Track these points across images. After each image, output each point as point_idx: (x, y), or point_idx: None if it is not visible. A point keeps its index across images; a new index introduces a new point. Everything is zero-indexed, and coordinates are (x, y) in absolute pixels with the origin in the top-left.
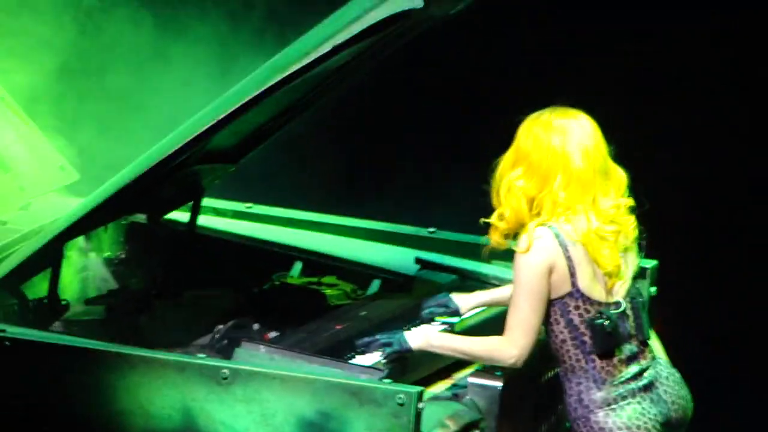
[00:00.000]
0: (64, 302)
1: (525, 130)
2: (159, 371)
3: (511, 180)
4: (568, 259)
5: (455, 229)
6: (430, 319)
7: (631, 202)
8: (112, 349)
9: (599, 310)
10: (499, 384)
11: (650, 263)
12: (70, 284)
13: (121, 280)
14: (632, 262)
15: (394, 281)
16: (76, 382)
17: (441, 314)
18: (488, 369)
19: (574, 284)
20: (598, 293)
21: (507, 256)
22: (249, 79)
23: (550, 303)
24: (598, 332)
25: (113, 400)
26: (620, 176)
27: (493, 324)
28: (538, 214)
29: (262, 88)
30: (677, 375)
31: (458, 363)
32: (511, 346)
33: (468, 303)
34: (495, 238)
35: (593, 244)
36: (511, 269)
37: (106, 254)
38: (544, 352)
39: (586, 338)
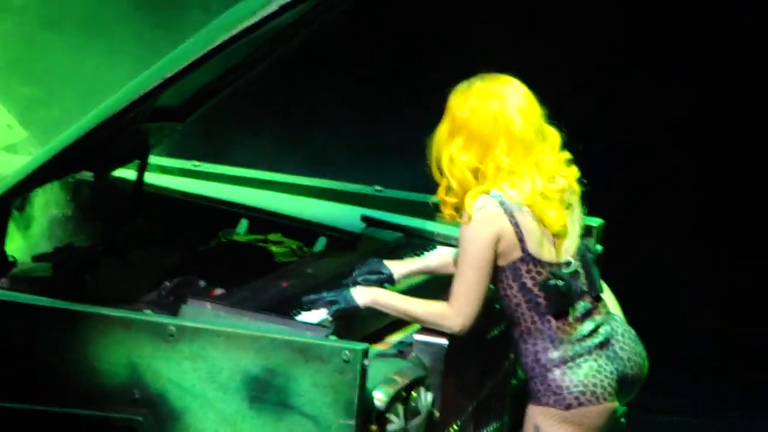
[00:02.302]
0: (11, 259)
1: (458, 100)
2: (105, 328)
3: (452, 151)
4: (515, 225)
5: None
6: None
7: (568, 155)
8: (58, 305)
9: (551, 271)
10: (444, 341)
11: (596, 222)
12: (16, 241)
13: (68, 237)
14: (578, 218)
15: (340, 239)
16: (22, 339)
17: (374, 282)
18: None
19: (523, 249)
20: (548, 254)
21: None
22: (196, 37)
23: (501, 269)
24: (552, 293)
25: (59, 357)
26: (555, 135)
27: (425, 289)
28: (483, 182)
29: (210, 47)
30: (632, 332)
31: (404, 321)
32: (455, 315)
33: (401, 270)
34: (448, 213)
35: (538, 206)
36: (457, 226)
37: (53, 212)
38: (489, 310)
39: (541, 300)
